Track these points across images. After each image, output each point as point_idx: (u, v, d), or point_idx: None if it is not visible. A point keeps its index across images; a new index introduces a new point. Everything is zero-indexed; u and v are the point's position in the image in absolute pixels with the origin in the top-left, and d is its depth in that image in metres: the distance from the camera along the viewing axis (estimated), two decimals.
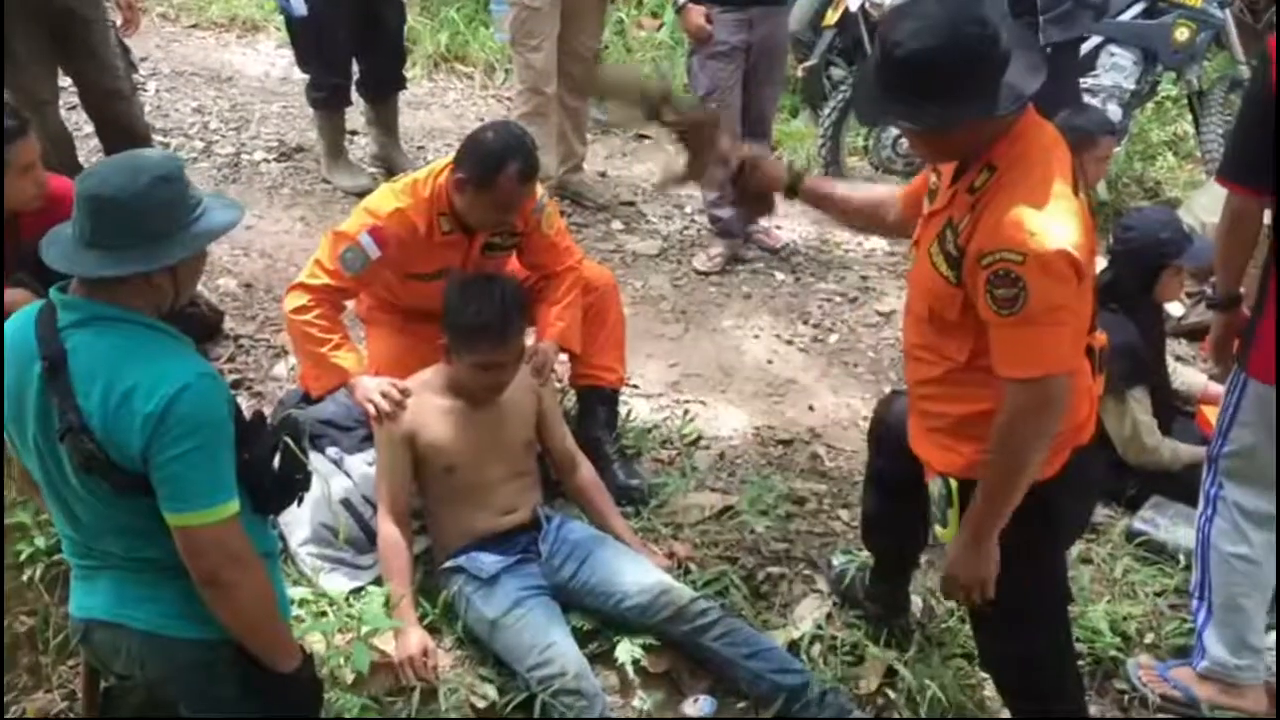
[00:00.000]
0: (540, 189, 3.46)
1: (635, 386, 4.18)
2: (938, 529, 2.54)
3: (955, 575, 2.44)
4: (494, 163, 3.16)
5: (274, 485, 2.15)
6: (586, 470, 3.36)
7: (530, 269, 3.54)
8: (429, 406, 3.14)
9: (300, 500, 2.24)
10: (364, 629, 2.87)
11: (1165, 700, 3.07)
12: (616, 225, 5.42)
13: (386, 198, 3.30)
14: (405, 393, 3.12)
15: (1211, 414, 3.74)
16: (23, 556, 3.01)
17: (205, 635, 2.13)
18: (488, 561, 3.03)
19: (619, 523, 3.29)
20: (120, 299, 2.04)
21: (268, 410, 3.53)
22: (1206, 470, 3.00)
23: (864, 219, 2.85)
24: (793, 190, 2.68)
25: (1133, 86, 5.66)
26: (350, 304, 3.53)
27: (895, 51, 2.18)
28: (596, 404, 3.64)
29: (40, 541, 3.02)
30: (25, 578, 2.99)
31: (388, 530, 3.06)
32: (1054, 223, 2.16)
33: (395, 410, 3.10)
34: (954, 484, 2.44)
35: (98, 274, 2.01)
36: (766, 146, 5.41)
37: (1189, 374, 4.02)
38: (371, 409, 3.12)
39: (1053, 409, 2.25)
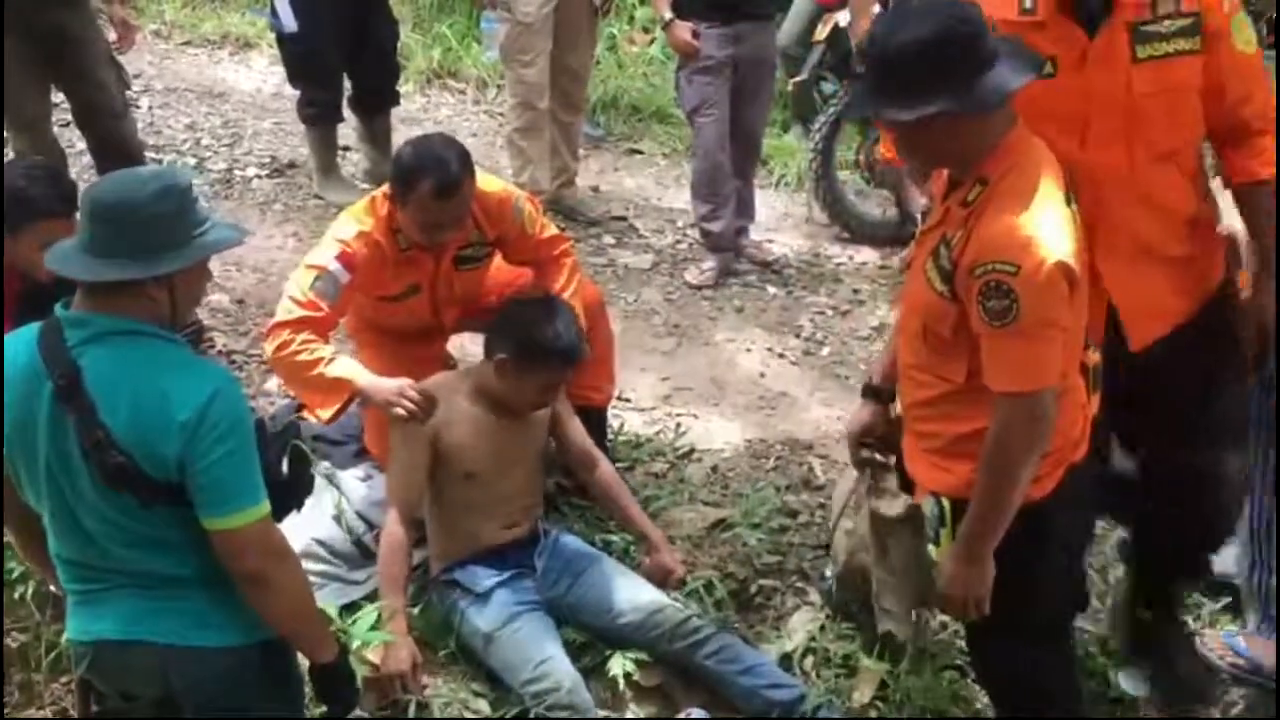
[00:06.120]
0: (512, 191, 3.41)
1: (627, 400, 4.19)
2: (931, 547, 2.55)
3: (952, 593, 2.44)
4: (406, 181, 3.09)
5: (283, 490, 2.16)
6: (606, 466, 3.33)
7: (521, 265, 3.47)
8: (455, 409, 3.07)
9: (300, 506, 2.25)
10: (355, 643, 2.86)
11: (1234, 669, 3.04)
12: (608, 240, 5.43)
13: (349, 222, 3.23)
14: (430, 399, 3.00)
15: None
16: (14, 574, 3.00)
17: (231, 642, 2.13)
18: (483, 575, 3.03)
19: (644, 521, 3.28)
20: (125, 311, 2.04)
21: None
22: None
23: None
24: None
25: None
26: (340, 321, 3.50)
27: (881, 46, 2.24)
28: (585, 422, 3.61)
29: None
30: (17, 595, 2.99)
31: (393, 532, 2.99)
32: (1047, 234, 2.17)
33: (428, 409, 2.97)
34: (946, 503, 2.45)
35: (94, 278, 2.02)
36: (755, 161, 5.44)
37: None
38: (401, 411, 2.97)
39: (1043, 423, 2.25)
